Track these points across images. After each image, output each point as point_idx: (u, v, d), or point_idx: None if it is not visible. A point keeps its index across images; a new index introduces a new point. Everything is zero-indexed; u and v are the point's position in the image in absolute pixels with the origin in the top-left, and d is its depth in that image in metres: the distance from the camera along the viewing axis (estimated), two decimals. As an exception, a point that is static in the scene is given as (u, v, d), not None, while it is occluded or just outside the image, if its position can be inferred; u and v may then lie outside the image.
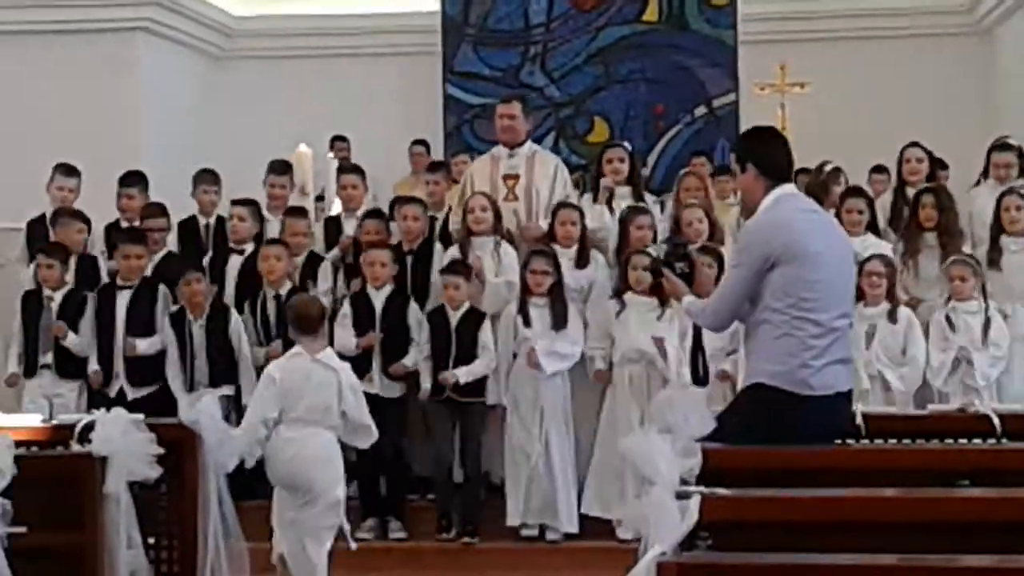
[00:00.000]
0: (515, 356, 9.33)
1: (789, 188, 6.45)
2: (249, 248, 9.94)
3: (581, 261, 9.60)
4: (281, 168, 10.60)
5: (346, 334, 9.31)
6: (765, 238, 6.22)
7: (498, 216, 9.67)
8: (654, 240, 9.61)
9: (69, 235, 9.93)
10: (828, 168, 10.59)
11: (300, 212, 10.17)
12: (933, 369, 9.17)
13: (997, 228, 9.66)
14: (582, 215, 9.70)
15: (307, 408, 7.49)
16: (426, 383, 9.29)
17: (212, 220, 10.41)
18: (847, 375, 6.31)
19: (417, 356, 9.35)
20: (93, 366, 9.53)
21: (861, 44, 13.86)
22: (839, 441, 6.12)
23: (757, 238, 6.29)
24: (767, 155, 6.44)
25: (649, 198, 10.42)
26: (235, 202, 10.15)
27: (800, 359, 6.08)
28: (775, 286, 6.14)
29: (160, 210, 10.24)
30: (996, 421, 6.13)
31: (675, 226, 9.85)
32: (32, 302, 9.65)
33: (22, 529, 5.81)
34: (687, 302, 6.69)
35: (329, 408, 7.51)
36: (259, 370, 8.41)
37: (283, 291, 9.41)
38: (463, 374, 9.19)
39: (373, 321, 9.36)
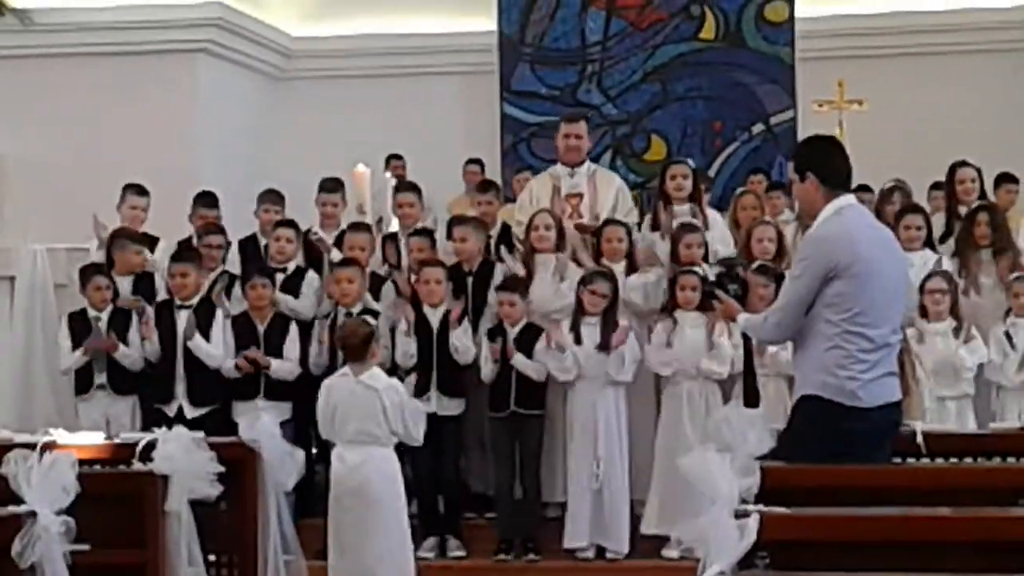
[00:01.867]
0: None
1: (851, 199, 6.46)
2: (291, 267, 9.98)
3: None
4: (331, 185, 10.64)
5: (405, 350, 9.40)
6: (829, 249, 6.23)
7: (561, 234, 9.70)
8: (705, 257, 9.61)
9: (125, 257, 10.00)
10: (887, 186, 10.57)
11: (361, 227, 10.17)
12: (998, 367, 9.18)
13: (1057, 244, 9.63)
14: (629, 232, 9.72)
15: (356, 429, 7.55)
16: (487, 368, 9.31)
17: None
18: (895, 386, 6.33)
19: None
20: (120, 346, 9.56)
21: (919, 60, 13.78)
22: (895, 457, 6.10)
23: (821, 249, 6.29)
24: (827, 164, 6.46)
25: (715, 215, 10.39)
26: (280, 223, 10.19)
27: (850, 372, 6.11)
28: (831, 298, 6.17)
29: (217, 228, 10.31)
30: (1058, 440, 6.09)
31: (742, 243, 9.84)
32: (77, 323, 9.69)
33: (85, 547, 5.86)
34: (743, 320, 6.69)
35: (377, 427, 7.56)
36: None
37: (356, 310, 9.38)
38: (522, 360, 9.22)
39: (431, 339, 9.38)
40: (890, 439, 6.29)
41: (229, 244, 10.35)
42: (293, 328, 9.57)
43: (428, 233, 10.17)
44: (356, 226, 10.21)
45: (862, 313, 6.14)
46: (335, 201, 10.59)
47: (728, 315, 7.11)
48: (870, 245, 6.28)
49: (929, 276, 9.25)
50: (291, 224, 10.20)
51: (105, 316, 9.67)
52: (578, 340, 9.26)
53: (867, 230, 6.40)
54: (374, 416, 7.58)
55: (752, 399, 7.05)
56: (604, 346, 9.18)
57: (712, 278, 7.95)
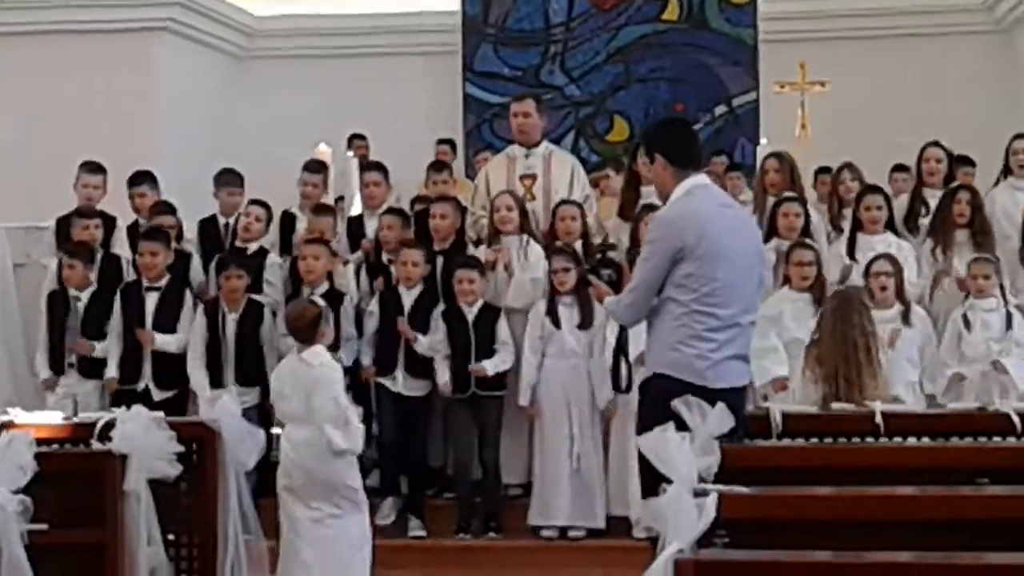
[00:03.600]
0: (543, 356, 9.33)
1: (701, 179, 6.51)
2: (253, 247, 9.94)
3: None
4: (315, 167, 10.64)
5: (368, 328, 9.42)
6: (676, 230, 6.27)
7: (524, 214, 9.69)
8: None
9: (83, 234, 9.93)
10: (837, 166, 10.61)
11: (325, 210, 10.15)
12: (935, 379, 9.16)
13: (1031, 227, 9.67)
14: (583, 211, 9.72)
15: (301, 408, 7.52)
16: (444, 377, 9.29)
17: (232, 220, 10.41)
18: (743, 370, 6.42)
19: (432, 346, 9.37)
20: (111, 372, 9.48)
21: (881, 43, 13.83)
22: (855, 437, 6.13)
23: (669, 230, 6.33)
24: (675, 144, 6.52)
25: None
26: (252, 202, 10.16)
27: (697, 350, 6.18)
28: (680, 278, 6.22)
29: (168, 208, 10.24)
30: (1016, 419, 6.12)
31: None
32: (58, 303, 9.64)
33: (43, 526, 5.84)
34: (607, 301, 6.75)
35: (313, 406, 7.52)
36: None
37: (321, 291, 9.37)
38: (490, 367, 9.20)
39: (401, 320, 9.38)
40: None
41: (181, 223, 10.27)
42: (267, 318, 9.52)
43: (400, 212, 10.13)
44: (321, 208, 10.18)
45: (710, 293, 6.20)
46: (316, 182, 10.57)
47: (599, 298, 7.17)
48: (719, 225, 6.30)
49: (874, 259, 9.20)
50: (263, 204, 10.16)
51: (85, 298, 9.62)
52: (556, 323, 9.25)
53: (717, 210, 6.42)
54: (308, 394, 7.53)
55: (619, 383, 7.08)
56: (584, 324, 9.18)
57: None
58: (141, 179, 10.52)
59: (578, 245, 9.58)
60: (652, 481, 6.18)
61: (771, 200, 10.00)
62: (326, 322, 7.86)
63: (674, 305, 6.25)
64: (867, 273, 9.15)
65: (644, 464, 6.20)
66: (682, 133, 6.72)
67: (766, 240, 9.61)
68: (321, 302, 8.09)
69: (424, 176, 11.43)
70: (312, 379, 7.54)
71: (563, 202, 9.79)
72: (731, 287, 6.26)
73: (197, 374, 9.36)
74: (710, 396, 6.04)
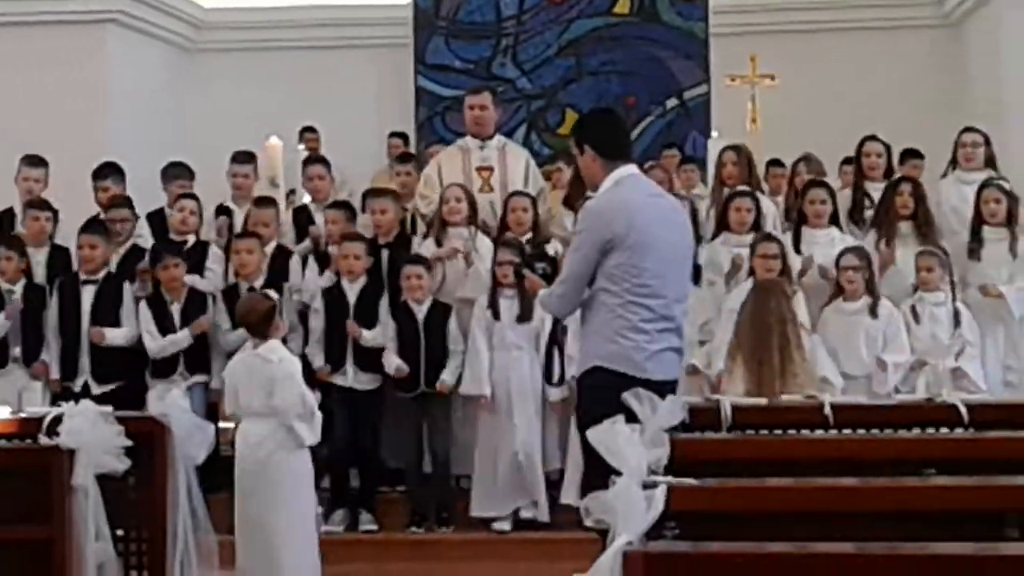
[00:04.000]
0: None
1: (630, 169, 6.54)
2: (191, 240, 9.88)
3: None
4: (243, 158, 10.56)
5: (315, 327, 9.37)
6: (605, 221, 6.31)
7: (473, 207, 9.68)
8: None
9: (35, 226, 9.84)
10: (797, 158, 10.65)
11: (266, 202, 10.10)
12: (888, 372, 9.17)
13: (977, 220, 9.71)
14: (534, 203, 9.72)
15: (258, 403, 7.47)
16: (393, 363, 9.25)
17: (182, 213, 10.36)
18: (677, 363, 6.50)
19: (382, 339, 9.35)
20: (53, 371, 9.40)
21: (832, 36, 13.89)
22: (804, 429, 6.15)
23: (598, 220, 6.37)
24: (604, 135, 6.56)
25: None
26: (184, 195, 10.09)
27: (633, 342, 6.23)
28: (611, 269, 6.26)
29: (125, 202, 10.17)
30: (963, 411, 6.16)
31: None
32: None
33: (-11, 522, 5.81)
34: (540, 294, 6.77)
35: (270, 400, 7.47)
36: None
37: (257, 284, 9.32)
38: (450, 376, 9.22)
39: (346, 314, 9.34)
40: None
41: (137, 217, 10.21)
42: (210, 306, 9.46)
43: (346, 206, 10.10)
44: (262, 200, 10.13)
45: (642, 283, 6.24)
46: (246, 173, 10.53)
47: (533, 291, 7.21)
48: (649, 215, 6.34)
49: (843, 252, 9.27)
50: (194, 197, 10.11)
51: (19, 290, 9.53)
52: (497, 315, 9.25)
53: (647, 199, 6.45)
54: (266, 389, 7.48)
55: (551, 375, 7.11)
56: (523, 317, 9.18)
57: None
58: (106, 172, 10.45)
59: (527, 237, 9.59)
60: (597, 474, 6.26)
61: (727, 193, 10.03)
62: (279, 315, 7.83)
63: (607, 296, 6.29)
64: (837, 266, 9.21)
65: (589, 457, 6.27)
66: (611, 125, 6.75)
67: (716, 234, 9.68)
68: (274, 295, 8.06)
69: (376, 169, 11.41)
70: (272, 375, 7.49)
71: (515, 193, 9.78)
72: (662, 277, 6.30)
73: (163, 342, 9.34)
74: (649, 388, 6.10)
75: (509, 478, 9.14)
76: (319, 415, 7.60)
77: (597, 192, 6.60)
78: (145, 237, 10.16)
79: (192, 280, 9.55)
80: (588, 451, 6.37)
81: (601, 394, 6.18)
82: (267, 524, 7.43)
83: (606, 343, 6.28)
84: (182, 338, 9.33)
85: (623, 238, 6.23)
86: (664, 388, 6.17)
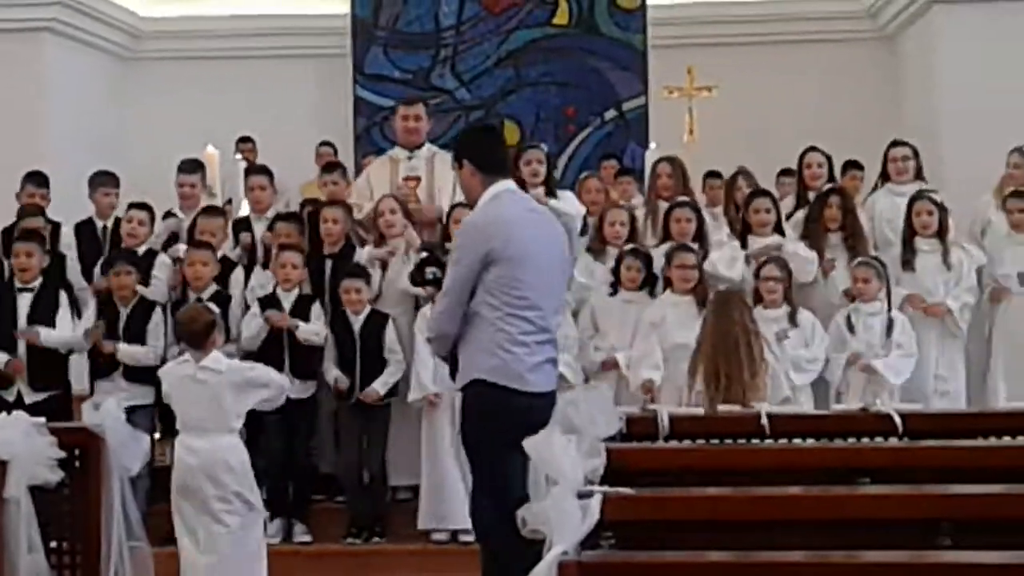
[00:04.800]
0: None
1: (508, 184, 6.64)
2: (141, 250, 9.78)
3: None
4: (190, 167, 10.50)
5: (252, 333, 9.30)
6: (484, 235, 6.39)
7: (408, 216, 9.67)
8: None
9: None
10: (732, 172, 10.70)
11: (214, 211, 10.04)
12: (829, 367, 9.26)
13: (909, 231, 9.78)
14: None
15: (200, 416, 7.41)
16: (332, 374, 9.23)
17: (110, 222, 10.29)
18: (555, 375, 6.57)
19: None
20: None
21: (769, 49, 13.96)
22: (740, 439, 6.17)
23: (477, 235, 6.45)
24: (482, 151, 6.65)
25: (567, 194, 10.44)
26: (132, 205, 10.01)
27: (514, 354, 6.29)
28: (491, 283, 6.32)
29: (39, 210, 10.07)
30: (898, 420, 6.19)
31: (595, 227, 9.90)
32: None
33: (-81, 534, 5.73)
34: (423, 311, 6.83)
35: (222, 412, 7.42)
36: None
37: (207, 295, 9.27)
38: (380, 386, 9.18)
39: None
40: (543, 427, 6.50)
41: (57, 226, 10.10)
42: (156, 314, 9.38)
43: (295, 218, 10.07)
44: (210, 210, 10.07)
45: (521, 296, 6.32)
46: (193, 182, 10.46)
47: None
48: (526, 229, 6.43)
49: (764, 263, 9.33)
50: (145, 206, 10.02)
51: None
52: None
53: (524, 214, 6.54)
54: (218, 401, 7.43)
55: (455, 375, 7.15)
56: None
57: None
58: (29, 179, 10.37)
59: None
60: (482, 490, 6.30)
61: (663, 204, 10.07)
62: (219, 329, 7.77)
63: (487, 310, 6.34)
64: (756, 275, 9.26)
65: (474, 471, 6.29)
66: (489, 140, 6.87)
67: (660, 243, 9.71)
68: (215, 308, 8.00)
69: (311, 179, 11.37)
70: (227, 384, 7.44)
71: (457, 205, 9.77)
72: (540, 290, 6.39)
73: (55, 335, 9.26)
74: (530, 401, 6.22)
75: (455, 489, 9.11)
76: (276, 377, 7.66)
77: (475, 206, 6.67)
78: (70, 246, 10.06)
79: (141, 289, 9.48)
80: (473, 465, 6.41)
81: (484, 408, 6.32)
82: (211, 539, 7.38)
83: (487, 357, 6.33)
84: (72, 339, 9.25)
85: (501, 251, 6.31)
86: (544, 399, 6.27)
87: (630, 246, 9.54)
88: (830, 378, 9.27)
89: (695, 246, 9.48)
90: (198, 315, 7.69)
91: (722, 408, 6.83)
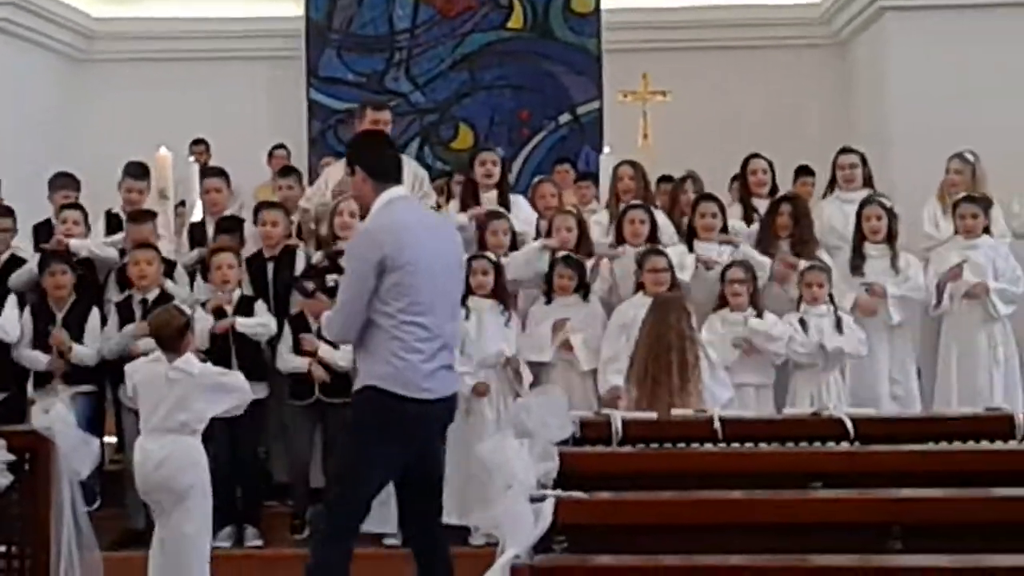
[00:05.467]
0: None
1: (400, 190, 6.66)
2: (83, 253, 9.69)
3: None
4: (137, 171, 10.39)
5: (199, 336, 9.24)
6: (378, 242, 6.37)
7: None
8: (512, 245, 9.68)
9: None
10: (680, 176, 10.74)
11: (144, 216, 9.92)
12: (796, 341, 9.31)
13: (859, 236, 9.85)
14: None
15: (164, 417, 7.36)
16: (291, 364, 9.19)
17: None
18: (453, 380, 6.60)
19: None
20: None
21: (723, 54, 14.01)
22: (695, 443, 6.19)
23: (370, 242, 6.44)
24: (373, 158, 6.65)
25: (520, 199, 10.46)
26: (67, 206, 9.95)
27: (408, 361, 6.29)
28: (385, 290, 6.30)
29: (5, 211, 10.00)
30: (849, 425, 6.22)
31: (545, 232, 9.91)
32: None
33: None
34: (323, 318, 6.83)
35: (187, 414, 7.38)
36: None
37: (151, 296, 9.22)
38: (325, 351, 9.06)
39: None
40: (443, 430, 6.74)
41: (16, 229, 10.03)
42: (94, 315, 9.32)
43: (234, 221, 10.04)
44: (139, 215, 9.92)
45: (416, 303, 6.31)
46: (140, 188, 10.36)
47: (316, 312, 7.36)
48: (419, 235, 6.43)
49: (729, 266, 9.41)
50: (78, 207, 9.97)
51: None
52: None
53: (417, 220, 6.57)
54: (186, 403, 7.39)
55: None
56: None
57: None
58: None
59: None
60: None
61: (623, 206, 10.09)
62: (191, 331, 7.73)
63: (382, 317, 6.33)
64: (722, 279, 9.32)
65: (335, 471, 6.26)
66: (381, 147, 6.84)
67: (616, 246, 9.72)
68: (187, 310, 7.96)
69: (265, 181, 11.33)
70: (198, 386, 7.40)
71: None
72: (434, 296, 6.39)
73: (29, 355, 9.21)
74: (424, 408, 6.26)
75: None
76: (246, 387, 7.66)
77: (368, 214, 6.66)
78: (27, 248, 9.99)
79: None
80: (337, 471, 6.43)
81: (376, 415, 6.31)
82: (177, 540, 7.34)
83: (382, 364, 6.33)
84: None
85: (395, 258, 6.30)
86: (442, 406, 6.37)
87: (563, 253, 9.54)
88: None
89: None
90: (171, 318, 7.65)
91: (675, 412, 6.84)
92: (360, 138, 7.06)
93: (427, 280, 6.35)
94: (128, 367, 7.83)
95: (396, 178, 6.67)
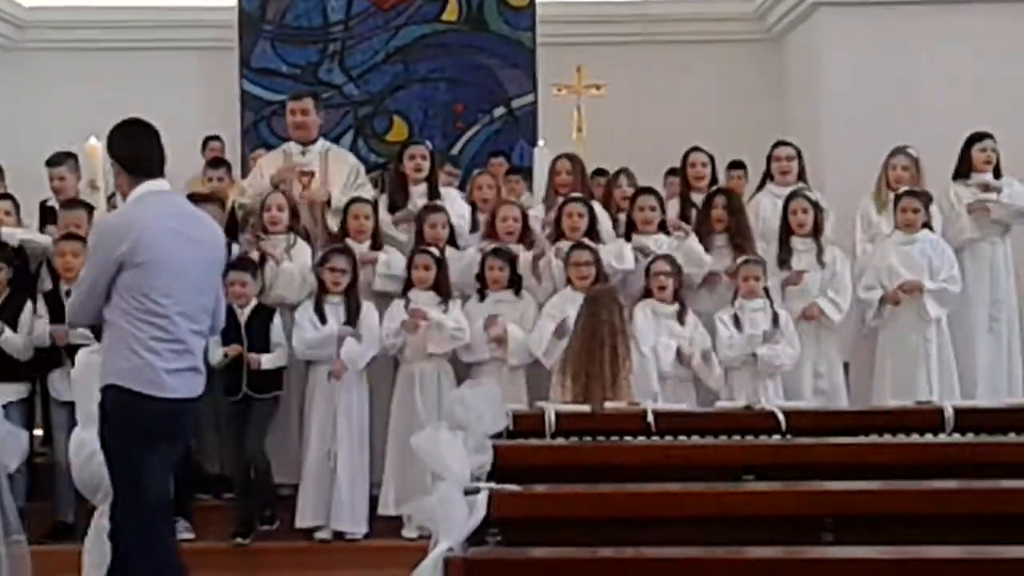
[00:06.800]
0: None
1: (157, 185, 6.40)
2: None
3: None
4: (56, 160, 10.35)
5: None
6: (115, 239, 6.20)
7: (294, 214, 9.63)
8: (451, 240, 9.68)
9: None
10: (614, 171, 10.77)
11: (76, 204, 9.85)
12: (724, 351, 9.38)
13: (785, 230, 9.89)
14: (375, 209, 9.70)
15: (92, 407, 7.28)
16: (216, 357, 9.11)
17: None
18: (198, 383, 6.40)
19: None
20: None
21: (658, 48, 14.04)
22: (627, 436, 6.19)
23: (106, 237, 6.27)
24: (128, 150, 6.46)
25: (451, 192, 10.46)
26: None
27: (144, 359, 6.14)
28: (124, 286, 6.16)
29: None
30: (781, 417, 6.25)
31: (486, 223, 9.91)
32: None
33: None
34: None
35: None
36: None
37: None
38: (266, 361, 9.09)
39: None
40: (187, 431, 6.59)
41: None
42: (28, 308, 9.22)
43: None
44: (71, 203, 9.88)
45: (153, 302, 6.15)
46: (61, 175, 10.29)
47: None
48: (165, 233, 6.23)
49: (653, 259, 9.45)
50: (8, 197, 9.92)
51: None
52: (323, 320, 9.19)
53: (166, 219, 6.30)
54: None
55: None
56: (350, 321, 9.14)
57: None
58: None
59: (367, 245, 9.63)
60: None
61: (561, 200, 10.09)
62: None
63: (119, 314, 6.18)
64: (647, 272, 9.34)
65: (113, 481, 6.24)
66: (136, 139, 6.56)
67: (555, 240, 9.72)
68: None
69: (197, 173, 11.25)
70: None
71: (355, 200, 9.74)
72: (177, 296, 6.21)
73: None
74: (164, 407, 6.14)
75: (328, 488, 9.08)
76: None
77: None
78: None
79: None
80: (110, 468, 6.30)
81: (118, 412, 6.18)
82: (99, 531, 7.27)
83: (120, 361, 6.19)
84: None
85: (132, 256, 6.13)
86: (183, 406, 6.25)
87: (492, 246, 9.54)
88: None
89: (589, 242, 9.52)
90: None
91: (608, 405, 6.85)
92: (117, 129, 6.65)
93: (168, 280, 6.17)
94: (78, 355, 7.75)
95: (152, 172, 6.41)
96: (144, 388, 6.12)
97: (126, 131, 6.58)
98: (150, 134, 6.58)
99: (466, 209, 10.17)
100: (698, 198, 10.30)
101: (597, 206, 10.05)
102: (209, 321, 6.50)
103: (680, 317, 9.34)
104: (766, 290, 9.52)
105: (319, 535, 9.10)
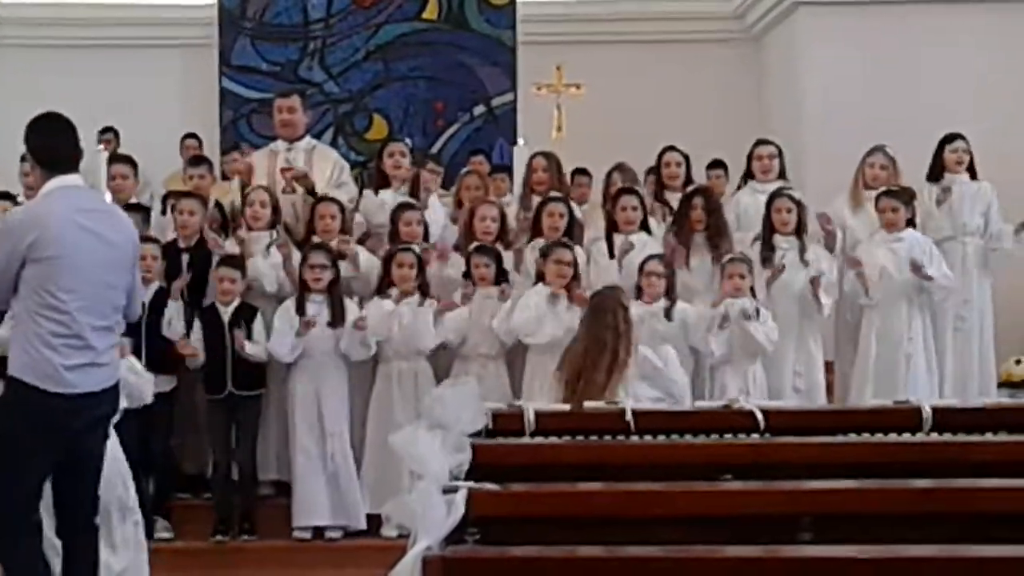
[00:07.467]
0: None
1: (69, 180, 6.36)
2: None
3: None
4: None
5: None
6: (22, 232, 6.20)
7: (276, 210, 9.62)
8: (425, 236, 9.67)
9: None
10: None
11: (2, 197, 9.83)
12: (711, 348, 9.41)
13: (769, 229, 9.90)
14: (342, 209, 9.68)
15: None
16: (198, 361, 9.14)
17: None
18: (104, 375, 6.35)
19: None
20: None
21: (636, 47, 14.05)
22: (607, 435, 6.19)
23: (14, 231, 6.27)
24: (40, 144, 6.44)
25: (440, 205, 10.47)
26: None
27: (43, 355, 6.12)
28: (28, 280, 6.15)
29: None
30: (759, 417, 6.25)
31: (464, 222, 9.90)
32: None
33: None
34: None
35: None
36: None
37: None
38: (249, 347, 9.08)
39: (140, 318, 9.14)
40: (101, 427, 6.48)
41: None
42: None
43: (139, 208, 9.94)
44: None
45: (56, 297, 6.13)
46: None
47: None
48: (70, 230, 6.18)
49: (647, 259, 9.44)
50: None
51: None
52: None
53: (73, 214, 6.24)
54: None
55: None
56: (333, 323, 9.13)
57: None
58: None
59: (335, 242, 9.57)
60: None
61: (537, 200, 10.08)
62: None
63: (23, 308, 6.18)
64: (640, 271, 9.35)
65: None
66: (49, 133, 6.50)
67: (531, 239, 9.72)
68: None
69: (175, 171, 11.24)
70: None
71: (322, 199, 9.73)
72: (80, 292, 6.18)
73: None
74: (63, 403, 6.11)
75: (323, 486, 9.06)
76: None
77: None
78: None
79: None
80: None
81: (17, 406, 6.17)
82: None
83: (21, 354, 6.19)
84: None
85: (35, 251, 6.11)
86: (86, 401, 6.20)
87: (476, 244, 9.54)
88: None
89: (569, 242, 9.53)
90: None
91: (587, 404, 6.85)
92: (33, 123, 6.58)
93: (71, 278, 6.13)
94: None
95: (66, 167, 6.37)
96: (41, 383, 6.11)
97: (41, 125, 6.54)
98: (66, 129, 6.51)
99: (442, 214, 10.17)
100: (672, 197, 10.32)
101: (574, 205, 10.05)
102: (118, 316, 6.45)
103: (668, 313, 9.32)
104: (752, 289, 9.51)
105: (298, 534, 9.09)
